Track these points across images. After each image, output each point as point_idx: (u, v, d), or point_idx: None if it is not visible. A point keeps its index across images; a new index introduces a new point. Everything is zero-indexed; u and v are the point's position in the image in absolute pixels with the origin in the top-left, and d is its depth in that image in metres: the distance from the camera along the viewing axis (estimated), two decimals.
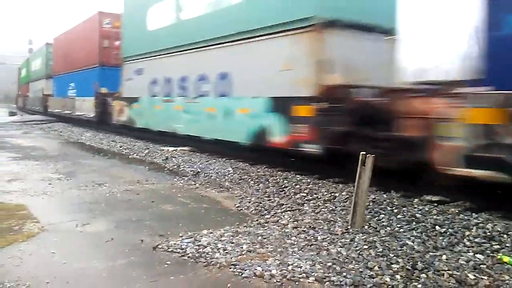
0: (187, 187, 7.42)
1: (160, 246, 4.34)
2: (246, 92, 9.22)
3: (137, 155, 11.51)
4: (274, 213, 5.66)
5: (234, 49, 9.58)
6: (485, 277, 3.62)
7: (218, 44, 10.15)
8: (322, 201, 6.19)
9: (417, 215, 5.33)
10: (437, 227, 4.87)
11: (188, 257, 4.08)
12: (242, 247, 4.29)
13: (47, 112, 28.65)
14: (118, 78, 16.29)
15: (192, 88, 11.25)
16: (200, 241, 4.45)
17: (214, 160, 9.98)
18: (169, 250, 4.25)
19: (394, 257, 4.04)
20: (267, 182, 7.53)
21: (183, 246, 4.30)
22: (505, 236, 4.52)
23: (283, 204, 6.08)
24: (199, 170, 8.85)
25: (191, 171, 8.86)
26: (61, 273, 3.68)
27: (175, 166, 9.49)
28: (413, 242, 4.46)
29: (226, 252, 4.16)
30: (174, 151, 11.58)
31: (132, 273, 3.71)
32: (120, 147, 13.23)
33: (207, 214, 5.72)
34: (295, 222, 5.20)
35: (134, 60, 14.88)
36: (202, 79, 10.81)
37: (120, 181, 7.80)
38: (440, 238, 4.60)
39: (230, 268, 3.82)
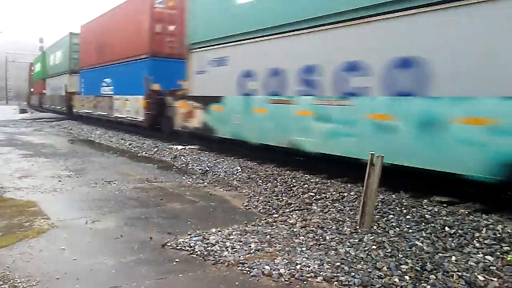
0: (196, 185, 7.45)
1: (168, 244, 4.37)
2: (476, 88, 5.36)
3: (146, 153, 11.57)
4: (283, 212, 5.67)
5: (435, 16, 5.80)
6: (495, 279, 3.59)
7: (390, 13, 6.35)
8: (330, 201, 6.17)
9: (427, 215, 5.30)
10: (446, 228, 4.84)
11: (197, 255, 4.10)
12: (250, 246, 4.30)
13: (72, 112, 24.91)
14: (175, 72, 13.06)
15: (330, 82, 7.42)
16: (208, 239, 4.47)
17: (223, 159, 10.00)
18: (178, 247, 4.28)
19: (403, 258, 4.03)
20: (275, 181, 7.53)
21: (191, 244, 4.32)
22: None
23: (291, 204, 6.08)
24: (208, 169, 8.87)
25: (199, 169, 8.89)
26: (71, 269, 3.72)
27: (184, 165, 9.53)
28: (422, 243, 4.44)
29: (235, 251, 4.17)
30: (183, 150, 11.62)
31: (141, 270, 3.74)
32: (129, 145, 13.30)
33: (216, 212, 5.74)
34: (304, 222, 5.19)
35: (208, 47, 10.99)
36: (353, 69, 7.01)
37: (129, 179, 7.85)
38: (450, 239, 4.57)
39: (239, 266, 3.83)
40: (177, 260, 3.99)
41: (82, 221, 5.12)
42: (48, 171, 8.35)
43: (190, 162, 9.78)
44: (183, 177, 8.12)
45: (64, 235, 4.63)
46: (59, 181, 7.41)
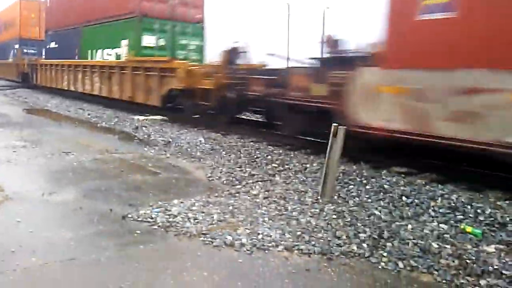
0: (158, 156, 7.33)
1: (129, 216, 4.30)
2: None
3: (106, 123, 11.26)
4: (246, 184, 5.67)
5: None
6: (448, 246, 3.75)
7: None
8: (293, 172, 6.23)
9: (385, 186, 5.45)
10: (403, 198, 5.00)
11: (158, 226, 4.06)
12: (212, 217, 4.29)
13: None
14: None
15: None
16: (170, 210, 4.43)
17: (186, 130, 9.87)
18: (139, 219, 4.22)
19: (362, 227, 4.13)
20: (239, 153, 7.51)
21: (153, 216, 4.27)
22: (468, 207, 4.67)
23: (254, 175, 6.09)
24: (170, 140, 8.74)
25: (162, 140, 8.74)
26: (27, 242, 3.60)
27: (146, 136, 9.34)
28: (380, 212, 4.57)
29: (197, 222, 4.16)
30: (145, 120, 11.38)
31: (101, 242, 3.67)
32: (88, 115, 12.88)
33: (178, 184, 5.68)
34: (266, 193, 5.22)
35: None
36: None
37: (89, 150, 7.63)
38: (406, 208, 4.73)
39: (201, 237, 3.82)
40: (138, 231, 3.94)
41: (39, 193, 4.94)
42: (2, 141, 7.99)
43: (152, 133, 9.60)
44: (145, 148, 7.97)
45: (20, 207, 4.46)
46: (14, 151, 7.11)
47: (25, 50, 24.56)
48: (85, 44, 16.36)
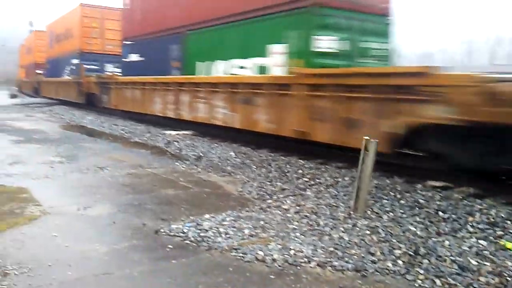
0: (189, 171, 7.40)
1: (162, 230, 4.34)
2: None
3: (139, 138, 11.48)
4: (276, 198, 5.64)
5: None
6: (488, 263, 3.60)
7: None
8: (324, 186, 6.16)
9: (420, 200, 5.30)
10: (440, 213, 4.85)
11: (190, 241, 4.08)
12: (244, 232, 4.28)
13: None
14: None
15: None
16: (202, 225, 4.44)
17: (216, 144, 9.94)
18: (171, 234, 4.25)
19: (397, 243, 4.03)
20: (270, 167, 7.50)
21: (185, 230, 4.29)
22: (508, 222, 4.48)
23: (285, 189, 6.06)
24: (201, 154, 8.82)
25: (193, 155, 8.84)
26: (63, 256, 3.69)
27: (177, 150, 9.47)
28: (415, 228, 4.44)
29: (228, 237, 4.15)
30: (177, 135, 11.54)
31: (134, 257, 3.71)
32: (122, 130, 13.19)
33: (209, 198, 5.71)
34: (297, 207, 5.18)
35: None
36: None
37: (122, 165, 7.78)
38: (443, 223, 4.58)
39: (232, 252, 3.81)
40: (171, 246, 3.97)
41: (74, 207, 5.07)
42: (40, 157, 8.26)
43: (184, 147, 9.72)
44: (177, 163, 8.07)
45: (56, 221, 4.59)
46: (51, 167, 7.33)
47: (85, 66, 20.68)
48: (192, 54, 11.85)
